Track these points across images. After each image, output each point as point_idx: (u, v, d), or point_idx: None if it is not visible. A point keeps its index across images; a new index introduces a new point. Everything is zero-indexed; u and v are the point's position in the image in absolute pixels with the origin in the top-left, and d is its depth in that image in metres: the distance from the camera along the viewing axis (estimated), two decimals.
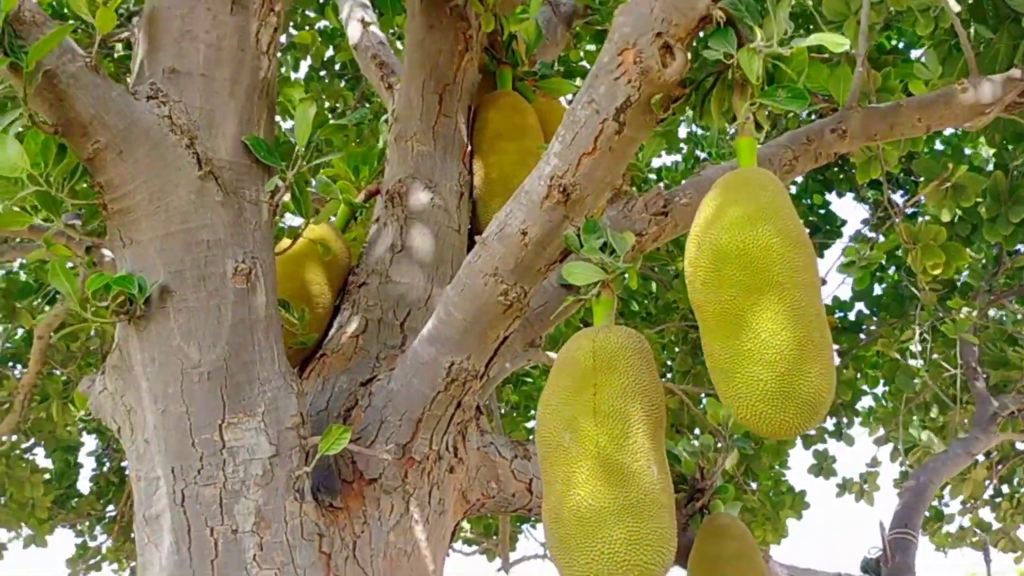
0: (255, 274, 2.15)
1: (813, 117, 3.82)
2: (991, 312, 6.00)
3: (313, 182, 3.16)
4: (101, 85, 2.03)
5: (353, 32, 4.65)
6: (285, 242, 2.52)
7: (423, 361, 2.38)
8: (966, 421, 5.60)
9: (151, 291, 2.05)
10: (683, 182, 3.01)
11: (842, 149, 2.96)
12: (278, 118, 5.40)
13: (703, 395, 6.06)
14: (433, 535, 2.39)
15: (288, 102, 2.30)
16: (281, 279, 2.55)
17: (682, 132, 6.69)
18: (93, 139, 2.02)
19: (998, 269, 5.96)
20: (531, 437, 7.13)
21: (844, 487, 6.63)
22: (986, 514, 6.41)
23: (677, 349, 6.03)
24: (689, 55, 2.18)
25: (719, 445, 3.89)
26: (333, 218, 3.10)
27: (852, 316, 6.54)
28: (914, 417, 5.74)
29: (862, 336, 6.38)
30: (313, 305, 2.73)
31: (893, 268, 6.45)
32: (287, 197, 2.31)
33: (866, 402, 6.85)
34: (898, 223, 3.62)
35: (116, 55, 4.94)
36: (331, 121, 2.29)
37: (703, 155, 6.83)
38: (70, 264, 2.34)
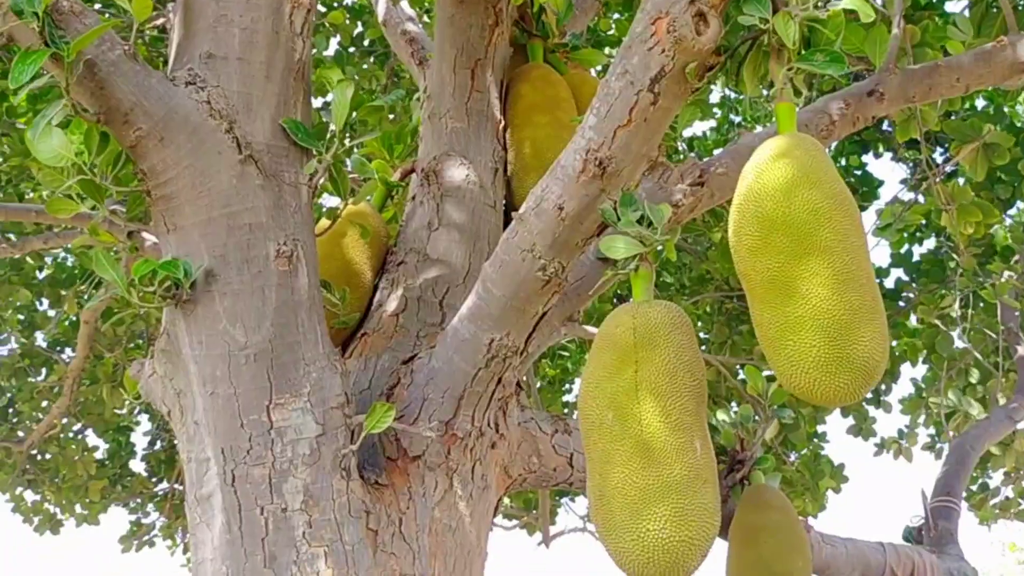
0: (297, 256, 2.17)
1: (850, 80, 3.77)
2: None
3: (348, 162, 3.18)
4: (140, 73, 2.05)
5: (382, 8, 4.65)
6: (324, 223, 2.54)
7: (463, 338, 2.39)
8: (1007, 387, 5.54)
9: (196, 275, 2.07)
10: (718, 151, 2.99)
11: (880, 112, 2.92)
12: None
13: (739, 366, 6.04)
14: (477, 510, 2.42)
15: (325, 82, 2.31)
16: (321, 260, 2.57)
17: (715, 97, 6.62)
18: (135, 127, 2.04)
19: None
20: (567, 411, 7.15)
21: (882, 446, 6.55)
22: None
23: (713, 320, 6.01)
24: (723, 21, 2.16)
25: (758, 416, 3.89)
26: (370, 198, 3.12)
27: (891, 283, 6.47)
28: (954, 384, 5.68)
29: (901, 303, 6.31)
30: (353, 285, 2.75)
31: (933, 235, 6.37)
32: (325, 179, 2.32)
33: (904, 386, 6.79)
34: (936, 182, 3.56)
35: (147, 38, 4.97)
36: (368, 103, 2.29)
37: (738, 119, 6.76)
38: (113, 250, 2.38)
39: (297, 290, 2.15)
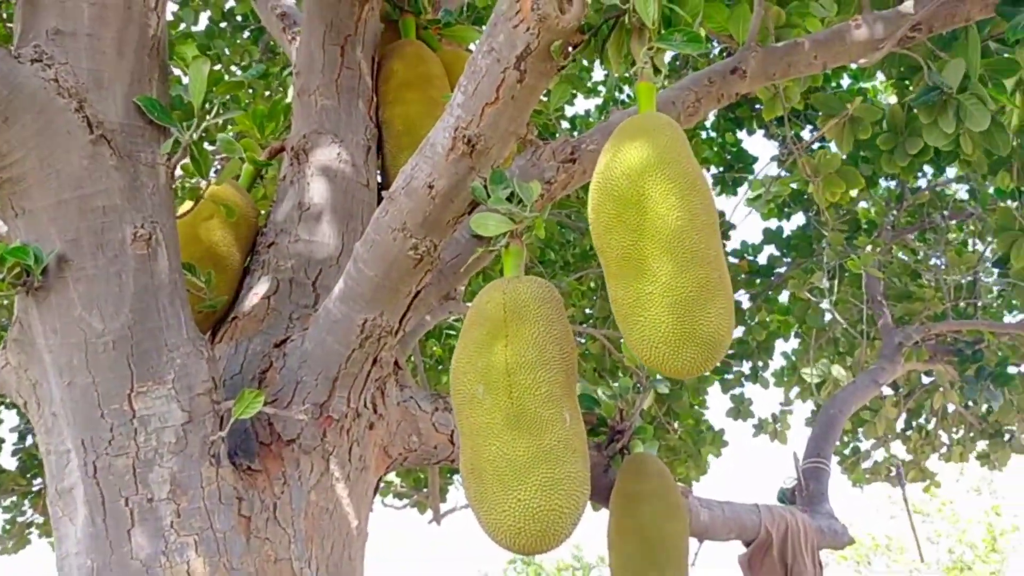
0: (155, 239, 2.10)
1: (725, 56, 3.86)
2: (901, 254, 6.21)
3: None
4: None
5: None
6: (188, 204, 2.46)
7: (336, 319, 2.36)
8: (871, 355, 5.81)
9: (47, 261, 1.99)
10: (590, 130, 3.02)
11: (743, 89, 3.00)
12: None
13: (623, 340, 6.15)
14: (355, 492, 2.40)
15: (182, 60, 2.24)
16: (186, 242, 2.50)
17: (599, 75, 6.69)
18: None
19: (901, 206, 6.14)
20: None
21: (760, 427, 6.83)
22: (897, 448, 6.69)
23: (596, 295, 6.10)
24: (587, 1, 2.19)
25: (637, 387, 3.98)
26: (238, 178, 3.04)
27: (763, 259, 6.69)
28: (824, 354, 5.92)
29: (773, 278, 6.53)
30: (221, 268, 2.68)
31: (801, 212, 6.60)
32: (187, 159, 2.25)
33: (778, 360, 7.04)
34: (800, 158, 3.70)
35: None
36: (228, 79, 2.22)
37: (623, 97, 6.85)
38: None
39: (157, 274, 2.08)
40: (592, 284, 6.34)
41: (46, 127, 2.00)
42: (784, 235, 6.59)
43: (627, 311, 1.85)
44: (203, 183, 2.30)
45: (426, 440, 2.77)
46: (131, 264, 2.05)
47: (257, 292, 2.66)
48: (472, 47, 3.53)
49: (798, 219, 7.11)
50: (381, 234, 2.30)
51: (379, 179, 3.01)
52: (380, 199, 3.05)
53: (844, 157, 3.86)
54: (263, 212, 3.01)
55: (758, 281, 6.70)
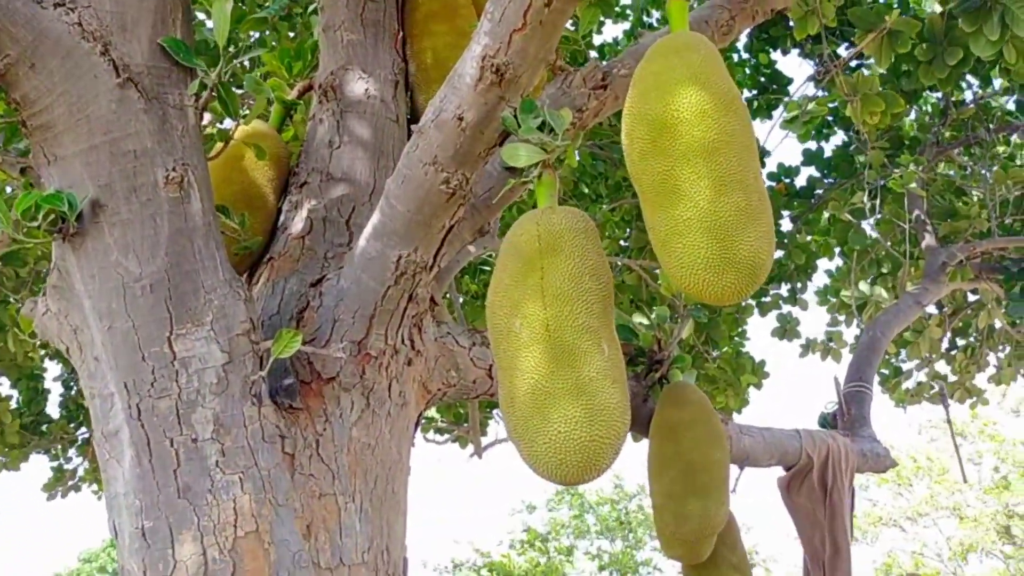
0: (187, 181, 2.09)
1: None
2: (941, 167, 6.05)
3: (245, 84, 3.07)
4: None
5: None
6: (219, 146, 2.45)
7: (370, 256, 2.36)
8: (915, 276, 5.71)
9: (82, 207, 1.99)
10: (621, 53, 2.95)
11: (778, 5, 2.91)
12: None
13: (659, 269, 6.11)
14: (396, 427, 2.42)
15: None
16: (218, 184, 2.49)
17: None
18: (2, 54, 1.93)
19: (945, 121, 5.98)
20: None
21: (808, 347, 6.58)
22: (942, 367, 6.59)
23: (632, 226, 6.04)
24: None
25: (675, 316, 3.95)
26: (268, 119, 3.02)
27: (802, 181, 6.57)
28: (865, 275, 5.82)
29: (813, 200, 6.42)
30: (255, 208, 2.68)
31: (841, 132, 6.44)
32: (215, 100, 2.23)
33: (820, 279, 6.92)
34: (838, 76, 3.58)
35: None
36: (250, 16, 2.19)
37: (651, 21, 6.69)
38: (7, 187, 2.27)
39: (191, 216, 2.08)
40: (626, 215, 6.27)
41: (73, 72, 1.98)
42: (824, 156, 6.45)
43: (665, 238, 1.82)
44: (232, 124, 2.28)
45: (465, 375, 2.78)
46: (164, 207, 2.05)
47: (291, 232, 2.66)
48: None
49: (837, 140, 6.93)
50: (412, 169, 2.28)
51: (408, 114, 2.97)
52: (411, 134, 3.03)
53: (883, 72, 3.73)
54: (294, 152, 3.00)
55: (796, 203, 6.59)
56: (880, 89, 3.62)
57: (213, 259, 2.12)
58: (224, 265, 2.15)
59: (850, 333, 6.14)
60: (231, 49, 2.13)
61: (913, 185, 5.08)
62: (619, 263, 5.82)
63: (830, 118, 5.81)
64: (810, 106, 3.75)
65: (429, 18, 3.02)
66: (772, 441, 3.85)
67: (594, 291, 2.01)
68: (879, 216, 5.58)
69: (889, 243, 5.59)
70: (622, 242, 6.13)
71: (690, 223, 1.80)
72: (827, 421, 4.37)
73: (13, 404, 6.91)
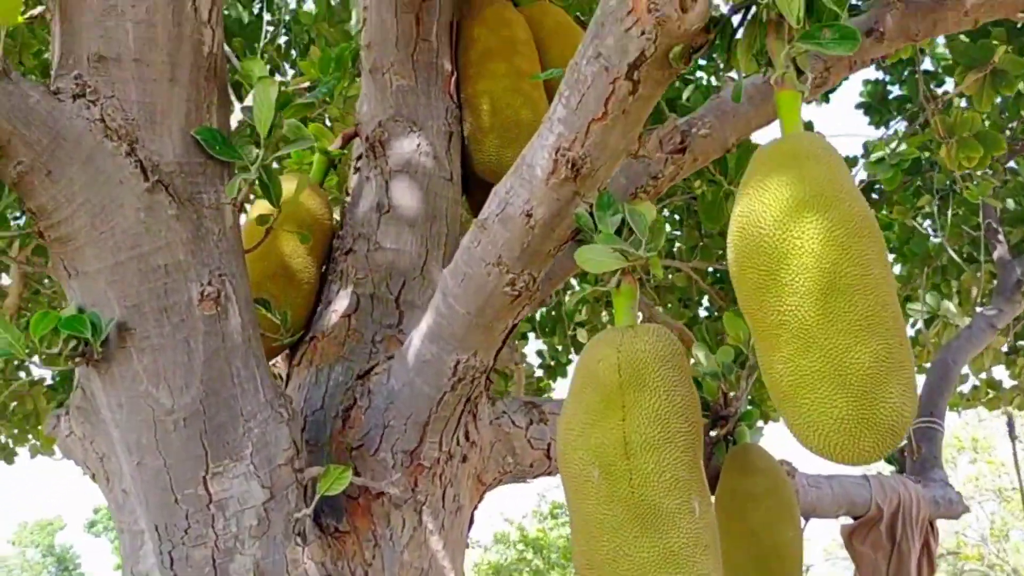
0: (224, 295, 1.86)
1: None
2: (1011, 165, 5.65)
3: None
4: (15, 93, 1.68)
5: None
6: (255, 228, 2.21)
7: (425, 359, 2.13)
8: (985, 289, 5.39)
9: (107, 332, 1.77)
10: (700, 109, 2.66)
11: (879, 53, 2.60)
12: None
13: (710, 270, 5.83)
14: (450, 539, 2.21)
15: (245, 79, 1.94)
16: (255, 258, 2.26)
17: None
18: (14, 161, 1.69)
19: (1020, 117, 5.57)
20: (553, 386, 6.87)
21: None
22: (999, 373, 6.28)
23: (683, 224, 5.74)
24: None
25: (740, 361, 3.69)
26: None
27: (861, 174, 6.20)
28: (931, 280, 5.49)
29: (875, 196, 6.06)
30: (296, 283, 2.45)
31: (904, 121, 6.06)
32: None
33: None
34: (933, 117, 3.25)
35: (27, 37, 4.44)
36: (296, 102, 1.93)
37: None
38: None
39: (228, 335, 1.85)
40: (677, 214, 5.97)
41: (95, 178, 1.74)
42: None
43: (788, 390, 1.56)
44: (274, 211, 2.04)
45: (521, 459, 2.56)
46: (199, 327, 1.82)
47: (336, 309, 2.43)
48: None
49: (900, 125, 6.54)
50: (473, 267, 2.03)
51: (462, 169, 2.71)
52: (463, 187, 2.77)
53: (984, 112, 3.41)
54: (335, 188, 2.75)
55: None
56: (977, 127, 3.29)
57: (253, 379, 1.89)
58: (265, 383, 1.92)
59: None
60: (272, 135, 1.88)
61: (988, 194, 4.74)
62: (669, 265, 5.54)
63: (895, 109, 5.38)
64: (900, 147, 3.41)
65: (486, 56, 2.74)
66: (840, 492, 3.62)
67: (683, 434, 1.77)
68: (945, 219, 5.23)
69: (957, 254, 5.26)
70: (674, 241, 5.84)
71: (820, 375, 1.54)
72: (894, 459, 4.12)
73: (48, 382, 6.82)
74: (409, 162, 2.56)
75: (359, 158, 2.74)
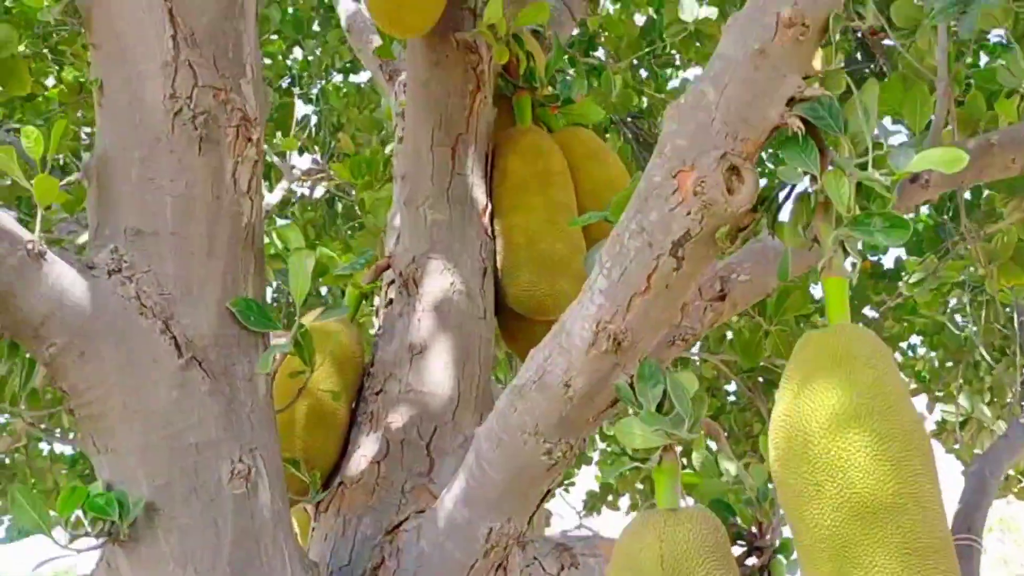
0: (255, 471, 1.81)
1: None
2: None
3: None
4: (51, 275, 1.66)
5: (345, 8, 4.17)
6: (286, 384, 2.17)
7: (457, 523, 2.07)
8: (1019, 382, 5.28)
9: (136, 513, 1.72)
10: (739, 254, 2.61)
11: (922, 199, 2.56)
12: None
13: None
14: None
15: (280, 246, 1.93)
16: (284, 398, 2.22)
17: None
18: (47, 342, 1.67)
19: None
20: (576, 472, 6.77)
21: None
22: None
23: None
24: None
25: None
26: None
27: (889, 262, 6.13)
28: (963, 376, 5.39)
29: (900, 284, 5.98)
30: (325, 425, 2.40)
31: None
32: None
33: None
34: (975, 246, 3.21)
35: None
36: (333, 271, 1.90)
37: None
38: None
39: (257, 513, 1.81)
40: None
41: (128, 358, 1.72)
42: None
43: None
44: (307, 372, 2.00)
45: None
46: (228, 506, 1.78)
47: (366, 454, 2.38)
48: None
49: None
50: (509, 434, 1.98)
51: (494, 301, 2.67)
52: (496, 320, 2.73)
53: None
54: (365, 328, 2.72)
55: (883, 286, 6.15)
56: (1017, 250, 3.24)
57: (281, 555, 1.85)
58: (293, 559, 1.88)
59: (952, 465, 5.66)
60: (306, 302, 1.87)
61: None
62: (696, 357, 5.47)
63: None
64: (940, 271, 3.36)
65: (520, 189, 2.71)
66: None
67: None
68: (975, 314, 5.14)
69: (991, 355, 5.16)
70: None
71: None
72: None
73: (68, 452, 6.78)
74: (443, 300, 2.53)
75: (390, 283, 2.72)
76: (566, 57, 4.50)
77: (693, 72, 7.11)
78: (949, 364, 5.70)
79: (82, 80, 4.29)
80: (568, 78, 3.21)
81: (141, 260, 1.77)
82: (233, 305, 1.83)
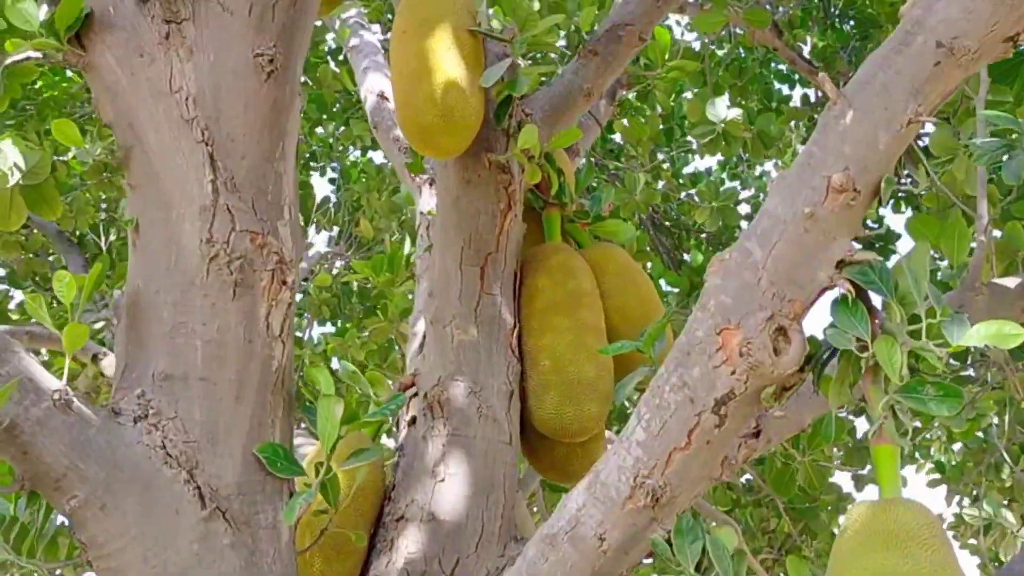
0: None
1: None
2: None
3: (336, 363, 2.75)
4: (75, 426, 1.61)
5: (371, 105, 4.18)
6: (308, 521, 2.10)
7: None
8: None
9: None
10: None
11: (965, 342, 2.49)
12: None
13: None
14: None
15: (310, 386, 1.88)
16: (302, 529, 2.16)
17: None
18: (69, 494, 1.62)
19: None
20: None
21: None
22: None
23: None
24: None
25: None
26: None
27: None
28: (986, 482, 5.28)
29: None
30: (344, 553, 2.34)
31: None
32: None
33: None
34: (1012, 377, 3.15)
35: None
36: (362, 420, 1.86)
37: None
38: None
39: None
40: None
41: (150, 509, 1.66)
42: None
43: None
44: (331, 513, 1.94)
45: None
46: None
47: None
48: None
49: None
50: None
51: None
52: (522, 445, 2.67)
53: None
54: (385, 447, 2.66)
55: None
56: None
57: None
58: None
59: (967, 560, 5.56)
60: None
61: None
62: None
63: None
64: (977, 399, 3.30)
65: (550, 310, 2.67)
66: None
67: None
68: (1003, 422, 5.06)
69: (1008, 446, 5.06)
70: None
71: None
72: None
73: None
74: (468, 425, 2.47)
75: (412, 396, 2.66)
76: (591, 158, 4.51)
77: (710, 161, 7.15)
78: (970, 464, 5.59)
79: (106, 162, 4.30)
80: (595, 189, 3.19)
81: (168, 406, 1.72)
82: (260, 451, 1.77)
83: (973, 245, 2.60)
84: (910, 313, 1.75)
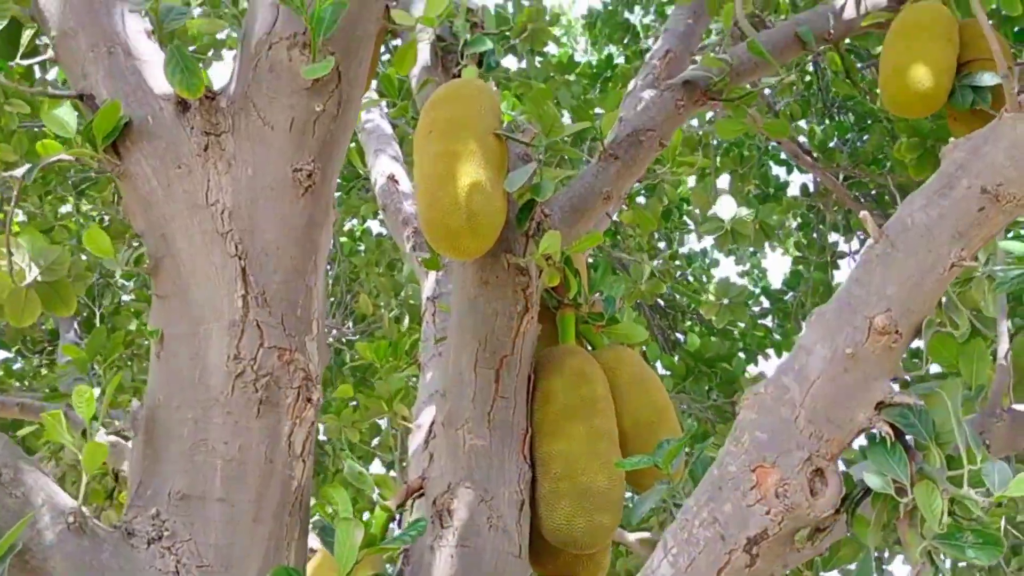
0: None
1: None
2: None
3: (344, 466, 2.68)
4: (88, 551, 1.55)
5: (380, 187, 4.17)
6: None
7: None
8: None
9: None
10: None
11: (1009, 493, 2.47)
12: None
13: None
14: None
15: (325, 504, 1.83)
16: None
17: None
18: None
19: None
20: None
21: None
22: None
23: None
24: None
25: None
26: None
27: None
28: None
29: None
30: None
31: None
32: None
33: None
34: None
35: None
36: (379, 547, 1.80)
37: None
38: None
39: None
40: None
41: None
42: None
43: None
44: None
45: None
46: None
47: None
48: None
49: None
50: None
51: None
52: (535, 557, 2.60)
53: None
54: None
55: None
56: None
57: None
58: None
59: None
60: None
61: None
62: None
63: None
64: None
65: (564, 415, 2.62)
66: None
67: None
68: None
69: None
70: None
71: None
72: None
73: None
74: (477, 535, 2.41)
75: (418, 497, 2.60)
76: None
77: (708, 243, 7.17)
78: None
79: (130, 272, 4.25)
80: (609, 287, 3.16)
81: (183, 527, 1.66)
82: (275, 574, 1.71)
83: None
84: (945, 453, 1.72)
